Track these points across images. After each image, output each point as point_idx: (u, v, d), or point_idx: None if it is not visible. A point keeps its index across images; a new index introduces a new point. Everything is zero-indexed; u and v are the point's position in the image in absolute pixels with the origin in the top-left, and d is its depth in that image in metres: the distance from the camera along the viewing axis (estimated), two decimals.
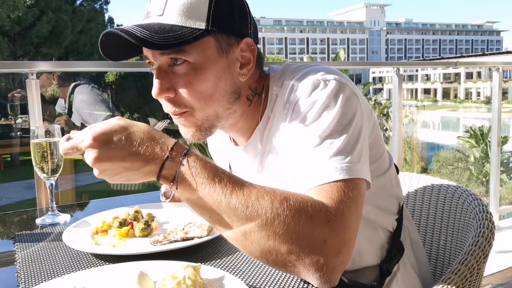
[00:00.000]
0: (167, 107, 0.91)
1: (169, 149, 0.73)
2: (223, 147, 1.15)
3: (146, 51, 0.89)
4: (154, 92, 0.88)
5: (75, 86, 3.46)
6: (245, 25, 0.92)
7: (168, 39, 0.81)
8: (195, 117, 0.91)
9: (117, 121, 0.75)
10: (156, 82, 0.88)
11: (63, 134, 1.22)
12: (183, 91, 0.88)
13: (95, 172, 0.75)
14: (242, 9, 0.91)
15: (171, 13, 0.85)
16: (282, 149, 0.94)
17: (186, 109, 0.90)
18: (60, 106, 3.69)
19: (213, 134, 0.96)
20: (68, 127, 3.45)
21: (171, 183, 0.74)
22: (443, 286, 0.91)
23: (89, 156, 0.73)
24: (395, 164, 1.09)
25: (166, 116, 0.97)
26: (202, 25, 0.84)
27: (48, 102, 3.63)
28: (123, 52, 0.91)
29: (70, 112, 3.46)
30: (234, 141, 1.08)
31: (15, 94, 3.57)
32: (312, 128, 0.84)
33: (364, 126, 0.87)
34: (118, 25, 27.18)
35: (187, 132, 0.94)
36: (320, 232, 0.72)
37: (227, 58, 0.89)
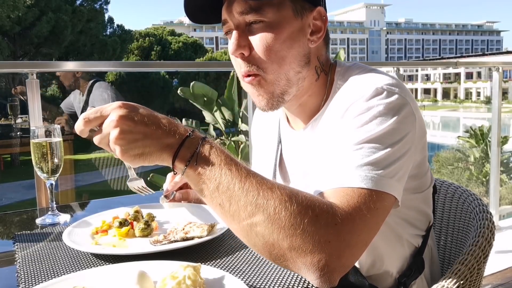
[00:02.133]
0: (240, 68, 0.94)
1: (190, 130, 0.76)
2: (274, 127, 1.16)
3: (225, 14, 0.93)
4: (231, 48, 0.92)
5: (94, 82, 3.62)
6: None
7: None
8: (267, 81, 0.94)
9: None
10: (233, 39, 0.92)
11: (63, 134, 1.23)
12: (258, 49, 0.91)
13: (114, 134, 0.74)
14: None
15: None
16: (330, 144, 0.93)
17: (258, 71, 0.93)
18: (67, 104, 3.76)
19: (285, 103, 0.98)
20: (69, 126, 3.51)
21: (187, 164, 0.74)
22: (443, 286, 0.91)
23: (115, 114, 0.74)
24: (434, 185, 1.08)
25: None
26: None
27: (68, 91, 3.79)
28: (205, 14, 0.97)
29: (85, 106, 3.60)
30: (289, 124, 1.09)
31: (18, 89, 3.63)
32: (359, 131, 0.83)
33: (411, 149, 0.87)
34: (118, 25, 27.25)
35: (261, 100, 0.96)
36: (324, 232, 0.71)
37: (301, 21, 0.93)
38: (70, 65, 3.84)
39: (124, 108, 0.75)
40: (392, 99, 0.85)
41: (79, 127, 0.78)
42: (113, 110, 0.75)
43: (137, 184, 0.97)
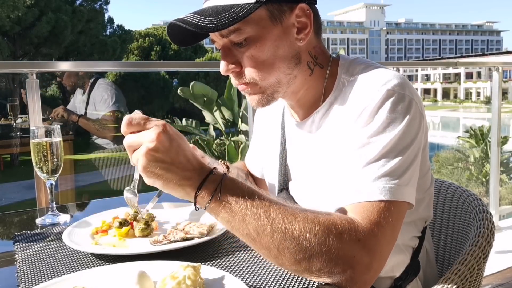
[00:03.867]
0: (234, 81, 0.98)
1: (213, 167, 0.80)
2: (277, 120, 1.17)
3: (211, 35, 0.95)
4: (221, 69, 0.95)
5: (95, 80, 3.64)
6: None
7: (221, 20, 0.86)
8: (259, 85, 0.96)
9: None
10: (222, 60, 0.95)
11: (62, 123, 1.23)
12: (246, 65, 0.94)
13: (148, 146, 0.75)
14: None
15: None
16: (336, 141, 0.95)
17: (250, 80, 0.95)
18: (71, 106, 3.77)
19: (276, 101, 1.00)
20: (67, 114, 3.55)
21: (211, 196, 0.77)
22: (443, 286, 0.91)
23: (157, 129, 0.76)
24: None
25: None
26: None
27: (71, 93, 3.84)
28: (189, 37, 0.97)
29: (86, 105, 3.63)
30: (291, 116, 1.11)
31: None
32: (372, 141, 0.85)
33: (421, 148, 0.89)
34: (118, 25, 27.25)
35: (252, 100, 0.99)
36: (349, 248, 0.76)
37: (281, 26, 0.93)
38: (70, 65, 3.84)
39: (166, 129, 0.77)
40: (401, 102, 0.87)
41: (123, 125, 0.79)
42: (157, 126, 0.77)
43: (131, 199, 0.96)
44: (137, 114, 0.80)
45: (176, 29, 0.92)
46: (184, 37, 0.96)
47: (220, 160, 1.22)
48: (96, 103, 3.59)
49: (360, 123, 0.88)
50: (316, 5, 0.99)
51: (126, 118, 0.79)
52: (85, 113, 3.63)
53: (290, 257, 0.77)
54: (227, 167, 1.21)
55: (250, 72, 0.94)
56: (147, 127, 0.78)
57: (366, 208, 0.80)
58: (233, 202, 0.77)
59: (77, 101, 3.74)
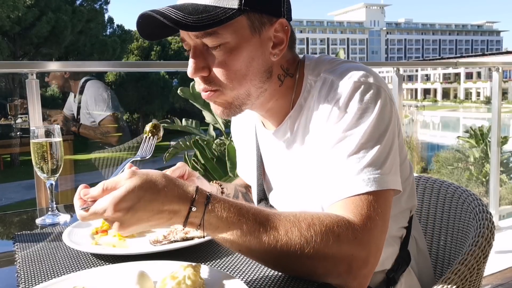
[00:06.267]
0: (199, 85, 0.93)
1: (192, 199, 0.73)
2: (251, 131, 1.15)
3: (182, 33, 0.90)
4: (189, 71, 0.90)
5: (86, 81, 3.54)
6: (277, 4, 0.91)
7: (202, 20, 0.82)
8: (226, 95, 0.92)
9: (132, 182, 0.71)
10: (191, 62, 0.90)
11: (62, 134, 1.23)
12: (217, 71, 0.89)
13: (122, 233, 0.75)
14: None
15: None
16: (312, 143, 0.94)
17: (218, 87, 0.91)
18: (68, 106, 3.74)
19: (242, 112, 0.97)
20: (64, 125, 3.50)
21: (198, 228, 0.74)
22: (443, 286, 0.91)
23: (115, 225, 0.72)
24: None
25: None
26: (235, 5, 0.85)
27: (62, 94, 3.78)
28: (159, 31, 0.91)
29: (79, 107, 3.55)
30: (264, 126, 1.09)
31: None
32: (348, 135, 0.85)
33: (396, 133, 0.89)
34: (118, 25, 27.25)
35: (217, 109, 0.95)
36: (347, 247, 0.76)
37: (259, 37, 0.90)
38: (70, 65, 3.83)
39: (119, 215, 0.71)
40: (370, 91, 0.87)
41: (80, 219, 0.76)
42: (111, 219, 0.72)
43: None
44: (82, 212, 0.74)
45: (146, 20, 0.86)
46: (152, 30, 0.90)
47: (212, 181, 1.18)
48: (89, 106, 3.51)
49: (332, 120, 0.88)
50: (290, 22, 0.95)
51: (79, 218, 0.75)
52: (78, 113, 3.57)
53: (290, 269, 0.79)
54: (221, 186, 1.17)
55: (220, 79, 0.90)
56: (105, 218, 0.73)
57: (355, 202, 0.80)
58: (220, 233, 0.74)
59: (73, 102, 3.71)
